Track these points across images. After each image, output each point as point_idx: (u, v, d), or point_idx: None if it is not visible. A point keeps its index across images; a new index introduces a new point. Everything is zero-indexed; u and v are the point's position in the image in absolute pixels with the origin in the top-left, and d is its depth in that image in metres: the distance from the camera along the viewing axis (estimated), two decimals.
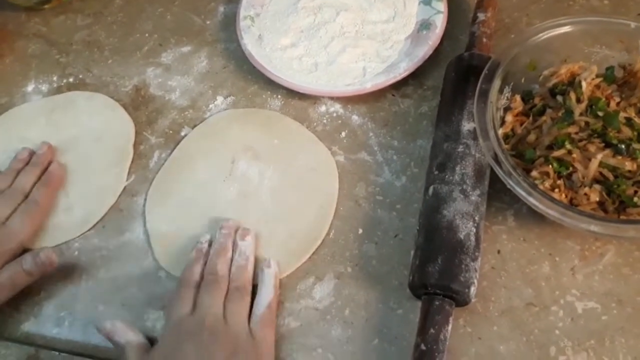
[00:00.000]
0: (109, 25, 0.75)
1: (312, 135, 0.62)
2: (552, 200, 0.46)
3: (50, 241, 0.60)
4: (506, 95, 0.54)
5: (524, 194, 0.46)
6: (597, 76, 0.54)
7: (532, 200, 0.46)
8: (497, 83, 0.52)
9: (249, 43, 0.66)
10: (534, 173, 0.49)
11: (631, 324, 0.49)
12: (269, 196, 0.58)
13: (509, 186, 0.47)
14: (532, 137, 0.52)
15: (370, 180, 0.59)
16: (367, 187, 0.59)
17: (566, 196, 0.49)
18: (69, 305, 0.57)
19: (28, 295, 0.57)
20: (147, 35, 0.73)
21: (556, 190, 0.49)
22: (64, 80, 0.71)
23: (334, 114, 0.64)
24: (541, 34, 0.54)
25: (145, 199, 0.61)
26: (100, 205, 0.61)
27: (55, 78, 0.71)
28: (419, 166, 0.59)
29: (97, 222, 0.61)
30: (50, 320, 0.56)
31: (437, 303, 0.48)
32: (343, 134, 0.62)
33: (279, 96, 0.65)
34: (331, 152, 0.61)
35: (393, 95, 0.64)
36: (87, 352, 0.55)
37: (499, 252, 0.54)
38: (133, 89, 0.69)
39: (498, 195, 0.55)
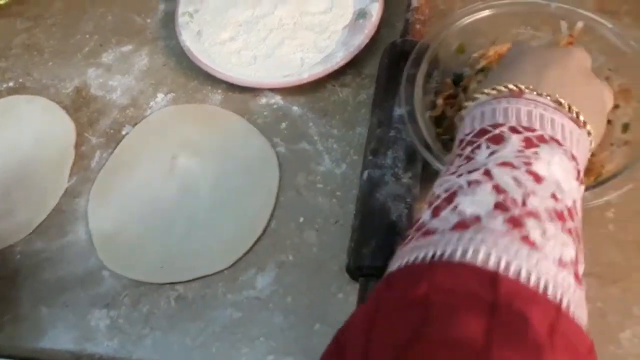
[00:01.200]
0: (49, 28, 0.74)
1: (253, 128, 0.62)
2: None
3: None
4: (436, 78, 0.55)
5: None
6: None
7: None
8: (424, 67, 0.52)
9: (187, 39, 0.66)
10: None
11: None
12: (210, 190, 0.59)
13: (435, 167, 0.48)
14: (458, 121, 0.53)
15: (311, 169, 0.60)
16: (307, 176, 0.59)
17: None
18: (12, 310, 0.56)
19: None
20: (87, 36, 0.73)
21: None
22: (4, 85, 0.70)
23: (274, 106, 0.64)
24: (468, 17, 0.55)
25: (87, 200, 0.61)
26: (42, 208, 0.61)
27: None
28: (359, 153, 0.60)
29: (39, 225, 0.60)
30: None
31: (372, 284, 0.48)
32: (284, 125, 0.63)
33: (220, 90, 0.66)
34: (272, 143, 0.61)
35: (332, 85, 0.65)
36: (35, 355, 0.55)
37: None
38: (74, 91, 0.69)
39: (434, 177, 0.56)
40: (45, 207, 0.61)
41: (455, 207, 0.31)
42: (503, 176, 0.32)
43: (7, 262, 0.59)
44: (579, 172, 0.35)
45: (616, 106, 0.51)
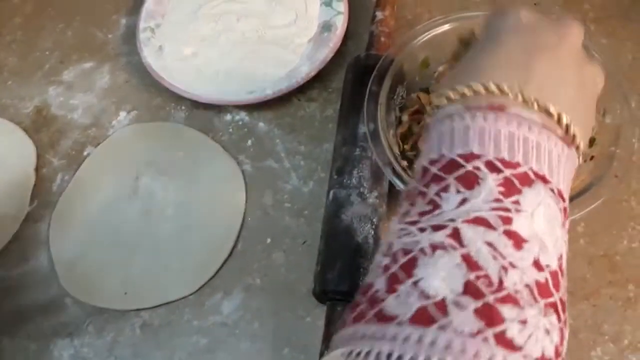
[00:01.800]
0: (8, 45, 0.72)
1: (217, 146, 0.61)
2: None
3: None
4: (401, 94, 0.54)
5: None
6: None
7: None
8: (387, 84, 0.51)
9: (148, 55, 0.64)
10: None
11: None
12: (174, 211, 0.57)
13: (398, 188, 0.47)
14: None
15: (278, 187, 0.59)
16: (274, 195, 0.58)
17: None
18: None
19: None
20: (47, 53, 0.70)
21: None
22: None
23: (240, 122, 0.63)
24: (431, 31, 0.54)
25: (49, 225, 0.59)
26: (1, 234, 0.59)
27: None
28: (326, 170, 0.58)
29: None
30: None
31: (339, 309, 0.47)
32: (249, 142, 0.61)
33: (183, 107, 0.64)
34: (238, 161, 0.60)
35: (299, 99, 0.63)
36: None
37: None
38: (34, 110, 0.66)
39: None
40: (5, 233, 0.59)
41: (416, 282, 0.26)
42: (476, 241, 0.26)
43: None
44: (565, 210, 0.30)
45: None
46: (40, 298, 0.56)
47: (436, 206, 0.28)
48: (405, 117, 0.53)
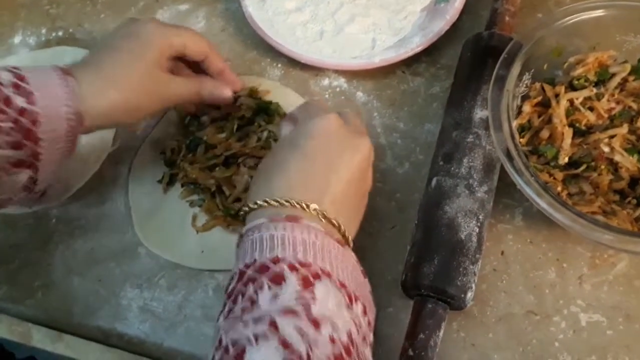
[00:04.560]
0: None
1: None
2: (564, 205, 0.41)
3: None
4: (525, 82, 0.49)
5: (534, 196, 0.42)
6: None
7: (542, 204, 0.42)
8: (516, 69, 0.46)
9: (250, 4, 0.61)
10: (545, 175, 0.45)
11: (637, 342, 0.46)
12: None
13: (518, 186, 0.43)
14: (544, 134, 0.47)
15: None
16: None
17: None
18: (44, 276, 0.54)
19: (1, 262, 0.54)
20: None
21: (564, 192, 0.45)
22: (53, 34, 0.66)
23: (337, 89, 0.59)
24: (570, 17, 0.49)
25: (129, 169, 0.57)
26: (82, 171, 0.57)
27: (44, 31, 0.66)
28: (425, 153, 0.54)
29: (77, 190, 0.57)
30: (23, 290, 0.54)
31: (429, 306, 0.44)
32: (346, 111, 0.58)
33: (280, 65, 0.61)
34: None
35: (403, 72, 0.59)
36: (61, 327, 0.52)
37: (502, 253, 0.50)
38: None
39: (508, 191, 0.51)
40: (86, 171, 0.57)
41: None
42: (288, 328, 0.33)
43: (42, 226, 0.56)
44: (350, 296, 0.37)
45: None
46: (114, 243, 0.55)
47: (254, 302, 0.35)
48: (527, 108, 0.49)
